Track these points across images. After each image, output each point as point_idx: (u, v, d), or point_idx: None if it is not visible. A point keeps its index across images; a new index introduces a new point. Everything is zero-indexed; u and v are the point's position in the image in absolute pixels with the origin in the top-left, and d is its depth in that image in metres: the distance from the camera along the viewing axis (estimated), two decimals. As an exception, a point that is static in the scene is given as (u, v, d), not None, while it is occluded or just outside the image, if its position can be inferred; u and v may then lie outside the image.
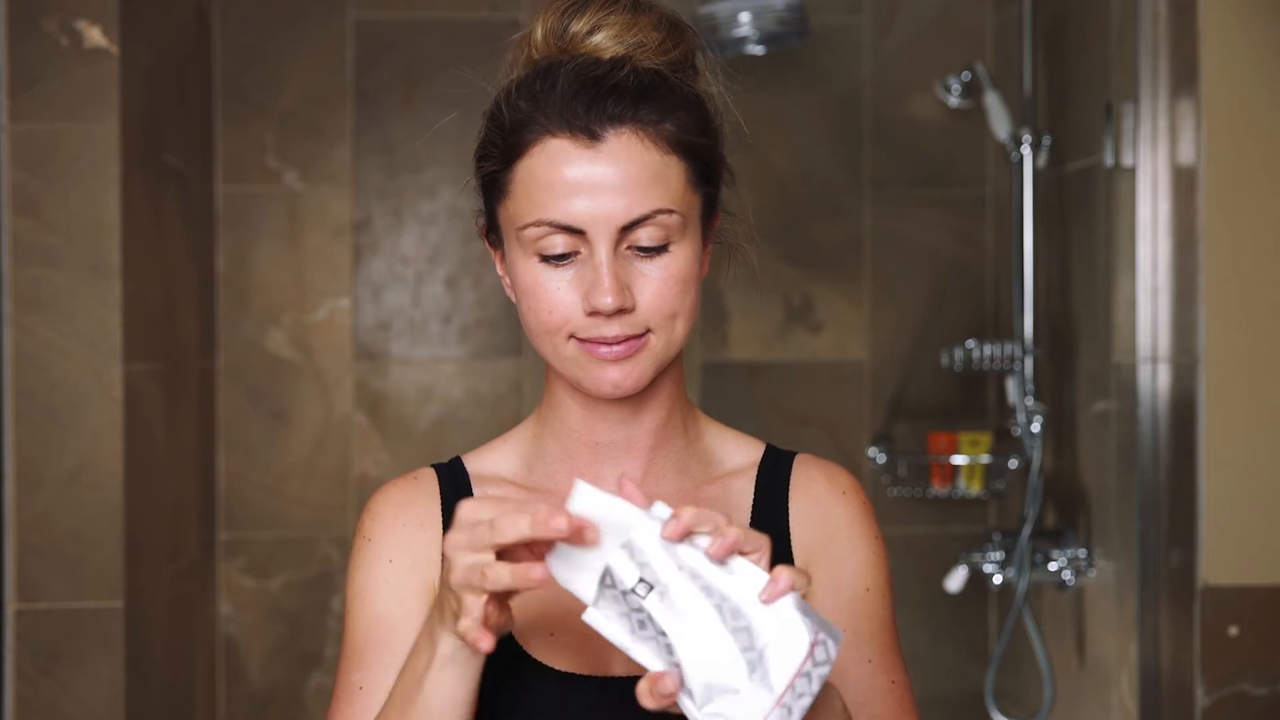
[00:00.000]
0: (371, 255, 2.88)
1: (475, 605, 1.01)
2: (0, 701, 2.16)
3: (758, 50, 2.73)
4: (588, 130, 1.14)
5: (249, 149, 2.85)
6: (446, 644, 1.05)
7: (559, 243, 1.15)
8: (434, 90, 2.86)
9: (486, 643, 1.01)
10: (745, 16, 2.65)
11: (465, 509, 1.02)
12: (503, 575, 0.99)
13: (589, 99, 1.14)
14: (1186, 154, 2.17)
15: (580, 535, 0.99)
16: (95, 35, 2.16)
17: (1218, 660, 2.10)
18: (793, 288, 2.95)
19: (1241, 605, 2.11)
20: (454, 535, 1.02)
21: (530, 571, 0.98)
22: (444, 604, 1.05)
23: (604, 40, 1.19)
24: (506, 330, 2.88)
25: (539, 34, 1.22)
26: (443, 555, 1.07)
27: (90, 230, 2.18)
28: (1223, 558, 2.11)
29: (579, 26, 1.20)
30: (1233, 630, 2.10)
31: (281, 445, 2.87)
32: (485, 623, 1.01)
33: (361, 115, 2.86)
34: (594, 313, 1.15)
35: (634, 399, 1.24)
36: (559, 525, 0.97)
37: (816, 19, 2.80)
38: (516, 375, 2.89)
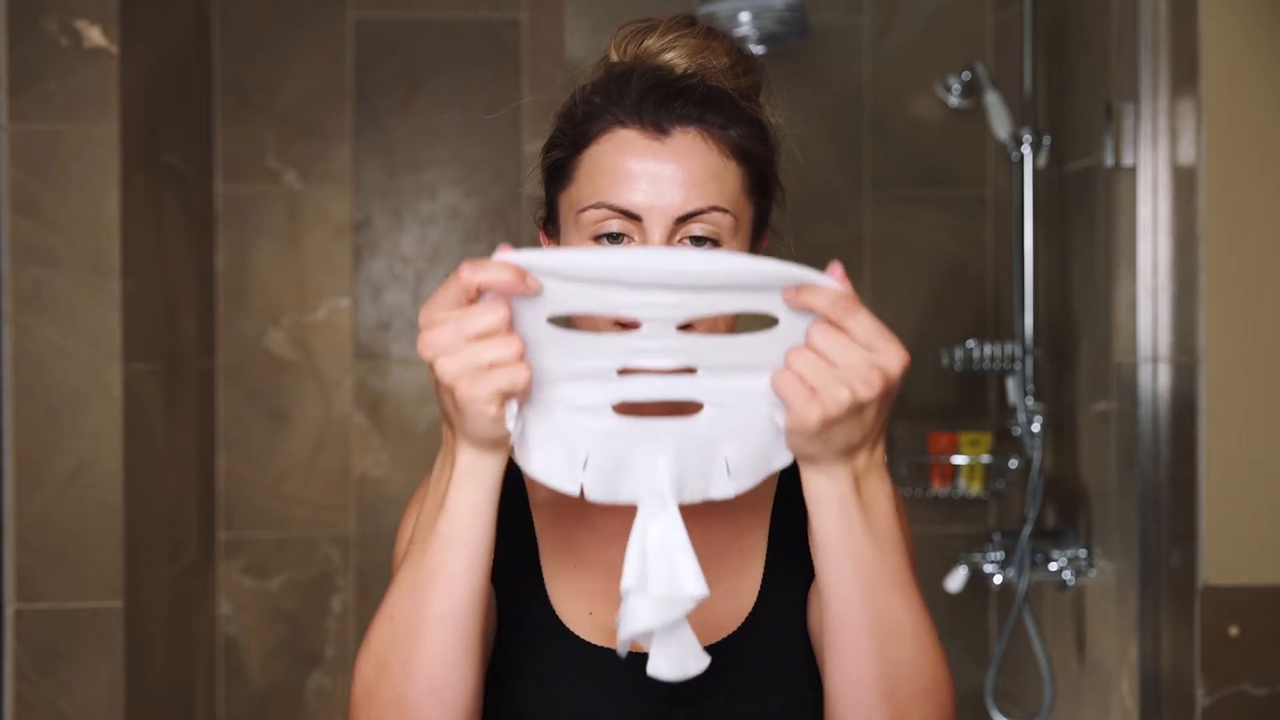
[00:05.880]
0: (371, 255, 2.87)
1: (486, 403, 0.97)
2: (0, 701, 2.16)
3: (757, 50, 2.73)
4: (656, 125, 1.21)
5: (249, 149, 2.85)
6: (465, 456, 1.03)
7: (615, 225, 1.20)
8: (434, 90, 2.86)
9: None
10: (745, 16, 2.65)
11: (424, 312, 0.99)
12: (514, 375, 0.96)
13: (660, 97, 1.21)
14: (1186, 154, 2.17)
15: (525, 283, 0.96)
16: (95, 35, 2.16)
17: (1218, 660, 2.10)
18: (793, 288, 2.95)
19: (1241, 605, 2.10)
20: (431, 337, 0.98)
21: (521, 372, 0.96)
22: (450, 417, 1.03)
23: (676, 58, 1.27)
24: (506, 330, 2.87)
25: (613, 54, 1.29)
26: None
27: (90, 230, 2.18)
28: (1223, 558, 2.11)
29: (652, 43, 1.27)
30: (1233, 630, 2.10)
31: (281, 445, 2.87)
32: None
33: (361, 115, 2.86)
34: None
35: None
36: (534, 285, 0.95)
37: (816, 19, 2.80)
38: (516, 375, 2.89)
